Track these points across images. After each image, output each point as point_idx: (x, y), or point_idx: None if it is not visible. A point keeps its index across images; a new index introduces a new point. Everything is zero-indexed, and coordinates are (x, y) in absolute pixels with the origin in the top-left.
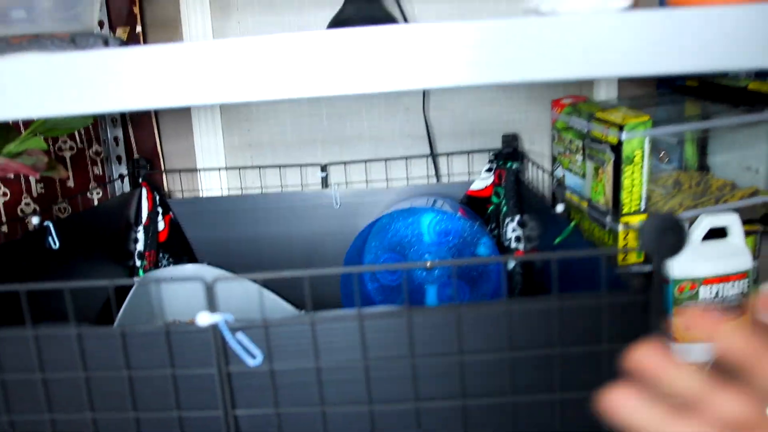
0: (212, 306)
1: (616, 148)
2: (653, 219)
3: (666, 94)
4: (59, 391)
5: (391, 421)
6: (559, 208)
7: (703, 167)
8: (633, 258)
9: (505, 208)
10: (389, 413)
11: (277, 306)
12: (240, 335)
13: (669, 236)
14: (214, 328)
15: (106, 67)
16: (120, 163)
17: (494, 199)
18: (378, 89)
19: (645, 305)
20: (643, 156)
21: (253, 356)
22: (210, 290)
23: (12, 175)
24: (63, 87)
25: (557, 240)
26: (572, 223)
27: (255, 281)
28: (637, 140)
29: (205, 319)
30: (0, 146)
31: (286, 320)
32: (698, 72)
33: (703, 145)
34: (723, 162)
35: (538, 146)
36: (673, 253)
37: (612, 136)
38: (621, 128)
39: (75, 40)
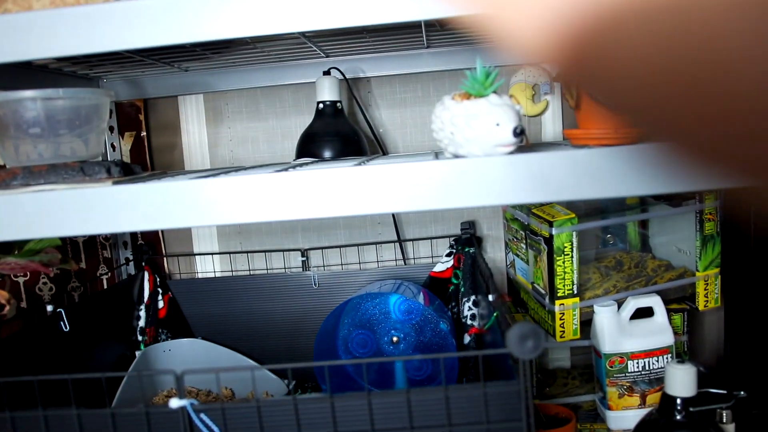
0: (181, 393)
1: (549, 241)
2: (516, 328)
3: None
4: None
5: None
6: (491, 297)
7: (645, 248)
8: (569, 335)
9: (462, 289)
10: None
11: (265, 377)
12: (203, 416)
13: (529, 342)
14: (183, 410)
15: (105, 199)
16: (126, 247)
17: (454, 280)
18: (339, 214)
19: (509, 391)
20: (572, 247)
21: None
22: (179, 380)
23: None
24: (73, 214)
25: (486, 325)
26: (495, 314)
27: (242, 354)
28: (565, 234)
29: (175, 403)
30: (22, 245)
31: (237, 405)
32: (566, 200)
33: (644, 228)
34: (660, 243)
35: (494, 231)
36: (533, 354)
37: (545, 230)
38: (551, 224)
39: (83, 169)
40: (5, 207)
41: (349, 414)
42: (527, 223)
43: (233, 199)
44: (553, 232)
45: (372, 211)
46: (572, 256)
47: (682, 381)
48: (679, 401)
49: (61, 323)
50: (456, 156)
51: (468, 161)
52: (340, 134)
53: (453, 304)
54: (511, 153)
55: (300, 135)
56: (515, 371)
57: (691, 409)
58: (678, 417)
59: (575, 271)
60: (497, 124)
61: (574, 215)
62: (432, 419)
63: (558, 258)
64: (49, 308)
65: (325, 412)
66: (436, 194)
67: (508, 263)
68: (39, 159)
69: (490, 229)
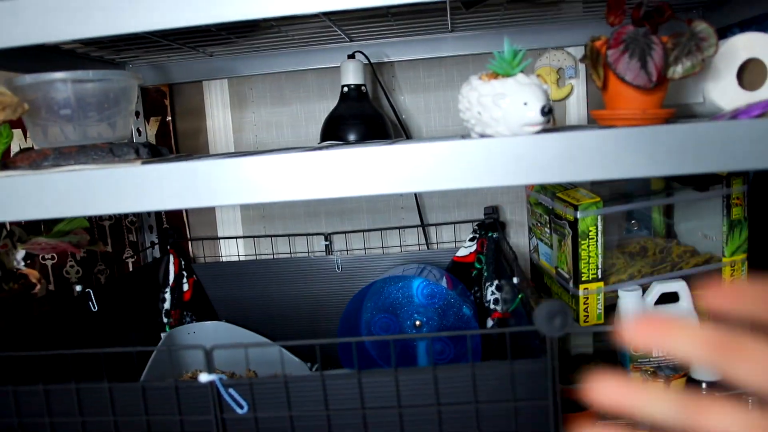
0: (210, 368)
1: (573, 225)
2: (544, 305)
3: None
4: (94, 431)
5: None
6: (515, 280)
7: (670, 234)
8: (593, 319)
9: (486, 274)
10: None
11: (286, 359)
12: (231, 390)
13: (557, 319)
14: (212, 384)
15: (134, 178)
16: (151, 231)
17: (477, 265)
18: (365, 193)
19: (536, 369)
20: (597, 231)
21: (241, 406)
22: (209, 355)
23: None
24: (103, 193)
25: (510, 308)
26: (520, 295)
27: (271, 340)
28: (590, 218)
29: (204, 377)
30: (52, 226)
31: (265, 380)
32: (594, 180)
33: (668, 214)
34: (686, 230)
35: (518, 217)
36: (560, 331)
37: (569, 214)
38: (576, 208)
39: (113, 151)
40: (38, 186)
41: (375, 391)
42: (551, 208)
43: (261, 178)
44: (578, 216)
45: (400, 190)
46: (597, 240)
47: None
48: (704, 385)
49: (90, 303)
50: (483, 136)
51: (496, 140)
52: (364, 118)
53: (476, 288)
54: (539, 133)
55: (324, 119)
56: (542, 351)
57: (716, 394)
58: None
59: (600, 255)
60: (525, 103)
61: (599, 199)
62: (458, 397)
63: (583, 242)
64: (78, 288)
65: (352, 388)
66: (465, 173)
67: (532, 248)
68: (68, 141)
69: (513, 214)
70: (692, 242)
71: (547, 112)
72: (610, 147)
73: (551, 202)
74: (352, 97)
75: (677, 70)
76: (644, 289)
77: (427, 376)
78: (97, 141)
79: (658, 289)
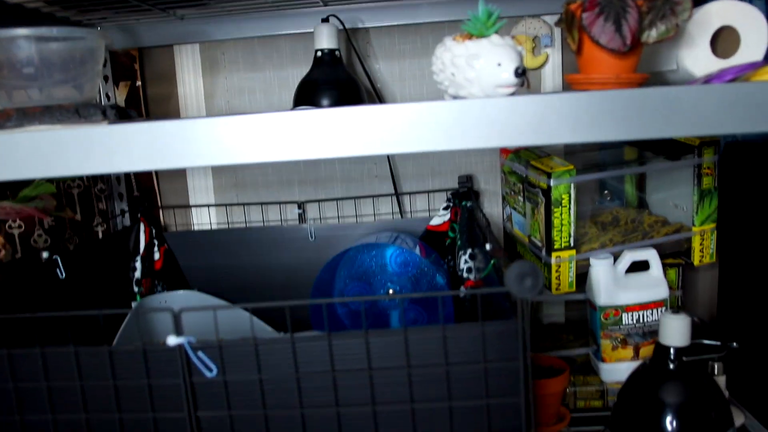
0: (179, 330)
1: (546, 193)
2: (515, 266)
3: None
4: (60, 396)
5: (317, 423)
6: (487, 246)
7: (642, 205)
8: (565, 287)
9: (459, 242)
10: (315, 416)
11: (258, 328)
12: (200, 353)
13: (527, 280)
14: (180, 347)
15: (102, 138)
16: (121, 199)
17: (450, 234)
18: (338, 154)
19: (507, 331)
20: (569, 199)
21: (210, 369)
22: (177, 318)
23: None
24: (69, 154)
25: (482, 275)
26: (492, 261)
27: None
28: (563, 186)
29: (172, 340)
30: (17, 192)
31: (234, 342)
32: (566, 143)
33: (641, 185)
34: (657, 200)
35: (492, 186)
36: (531, 293)
37: (543, 182)
38: (549, 176)
39: (79, 111)
40: (0, 147)
41: (346, 353)
42: (525, 176)
43: (233, 139)
44: (552, 184)
45: (373, 151)
46: (570, 208)
47: (676, 330)
48: (672, 351)
49: (58, 270)
50: (456, 98)
51: (469, 102)
52: (338, 83)
53: (449, 257)
54: (512, 95)
55: (297, 85)
56: (513, 313)
57: (684, 358)
58: (671, 366)
59: (572, 224)
60: (499, 64)
61: (572, 167)
62: (429, 358)
63: (556, 209)
64: (45, 255)
65: (323, 350)
66: (437, 136)
67: (505, 218)
68: (32, 102)
69: (487, 183)
70: (663, 212)
71: (521, 73)
72: (584, 110)
73: (525, 170)
74: (325, 62)
75: (651, 34)
76: (615, 258)
77: (398, 339)
78: (64, 101)
79: (629, 257)
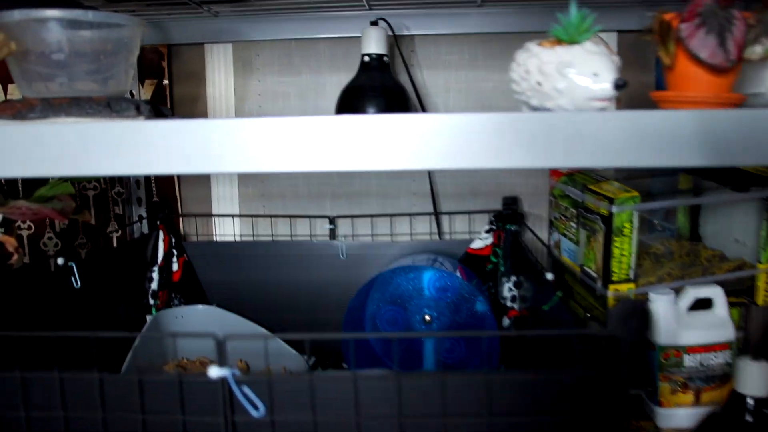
0: (222, 360)
1: (607, 220)
2: (621, 305)
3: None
4: (78, 429)
5: None
6: (549, 276)
7: (695, 237)
8: None
9: (502, 268)
10: None
11: (282, 351)
12: (246, 388)
13: (634, 321)
14: (223, 381)
15: (137, 135)
16: (140, 204)
17: (493, 259)
18: (384, 168)
19: (602, 379)
20: (632, 228)
21: (257, 408)
22: (221, 346)
23: None
24: (101, 151)
25: (545, 307)
26: (558, 294)
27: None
28: (626, 213)
29: (214, 372)
30: (32, 191)
31: (287, 378)
32: (662, 167)
33: (695, 216)
34: (714, 232)
35: (536, 210)
36: (638, 335)
37: (603, 208)
38: (612, 201)
39: (110, 105)
40: (22, 140)
41: (418, 393)
42: (581, 201)
43: (275, 144)
44: (614, 211)
45: (442, 166)
46: (631, 238)
47: (756, 378)
48: (750, 401)
49: (72, 278)
50: (538, 110)
51: (560, 115)
52: (386, 90)
53: (490, 284)
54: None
55: (336, 92)
56: (603, 357)
57: (765, 410)
58: (749, 418)
59: (633, 254)
60: (595, 74)
61: (636, 193)
62: (470, 406)
63: (616, 239)
64: (60, 261)
65: (389, 391)
66: (521, 150)
67: (553, 244)
68: (59, 93)
69: (531, 207)
70: (719, 246)
71: (621, 85)
72: (686, 131)
73: (581, 195)
74: (373, 67)
75: (757, 51)
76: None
77: (435, 382)
78: (93, 94)
79: (692, 293)
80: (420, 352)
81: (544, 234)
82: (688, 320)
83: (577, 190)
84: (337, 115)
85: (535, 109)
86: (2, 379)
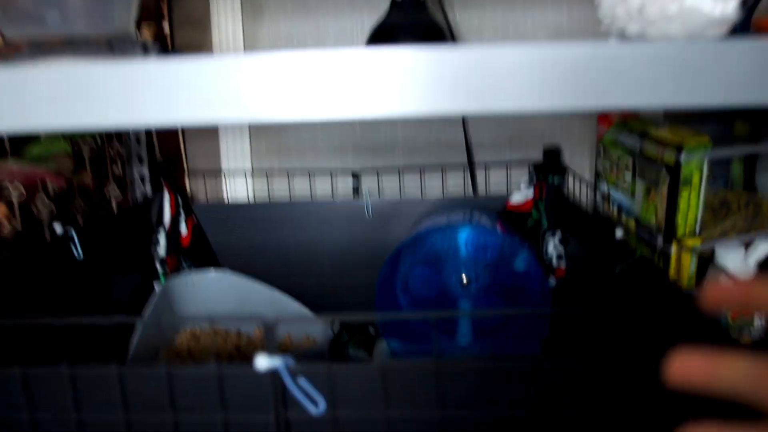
0: (272, 348)
1: (673, 170)
2: None
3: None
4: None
5: None
6: (619, 233)
7: (750, 187)
8: (684, 283)
9: (545, 224)
10: None
11: (304, 317)
12: (302, 380)
13: None
14: (274, 372)
15: (148, 78)
16: (141, 163)
17: (534, 214)
18: (423, 113)
19: None
20: (701, 178)
21: (315, 403)
22: (270, 331)
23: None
24: (101, 98)
25: (618, 268)
26: (639, 252)
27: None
28: (695, 162)
29: (263, 363)
30: (17, 150)
31: (352, 367)
32: None
33: (750, 165)
34: None
35: (578, 160)
36: None
37: (669, 157)
38: (679, 149)
39: (112, 45)
40: (9, 87)
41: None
42: (639, 149)
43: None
44: (682, 159)
45: (498, 108)
46: (700, 189)
47: None
48: None
49: (72, 246)
50: (642, 37)
51: (675, 44)
52: (423, 29)
53: (532, 241)
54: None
55: (370, 30)
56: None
57: None
58: None
59: (700, 207)
60: None
61: (707, 138)
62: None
63: (684, 190)
64: (58, 229)
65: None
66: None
67: (600, 197)
68: (50, 33)
69: (573, 156)
70: None
71: (755, 3)
72: None
73: (639, 142)
74: (407, 4)
75: None
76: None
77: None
78: (90, 34)
79: (762, 248)
80: (454, 317)
81: (584, 188)
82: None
83: (634, 137)
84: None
85: (629, 37)
86: (1, 376)
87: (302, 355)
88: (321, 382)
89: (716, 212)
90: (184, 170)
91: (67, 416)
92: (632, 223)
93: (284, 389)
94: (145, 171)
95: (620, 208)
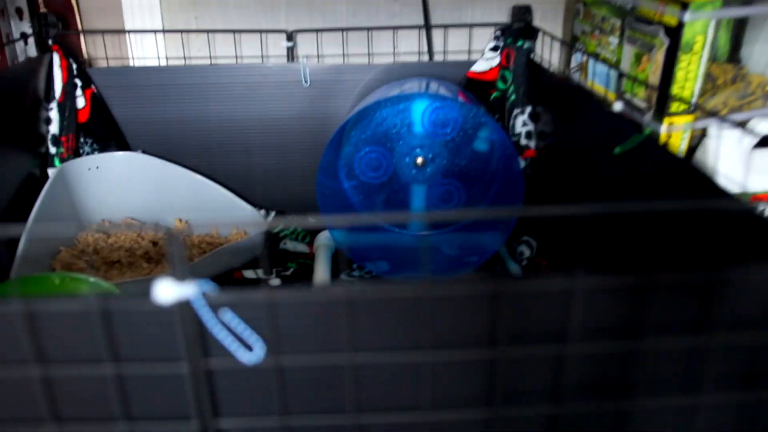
0: (181, 272)
1: (674, 31)
2: None
3: None
4: None
5: None
6: (617, 106)
7: (734, 59)
8: None
9: (513, 97)
10: (444, 423)
11: (233, 205)
12: (227, 314)
13: None
14: (185, 304)
15: None
16: (21, 18)
17: (500, 85)
18: None
19: None
20: (704, 44)
21: (249, 347)
22: (176, 242)
23: None
24: None
25: (618, 150)
26: (647, 130)
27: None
28: (701, 23)
29: (169, 291)
30: None
31: (302, 294)
32: None
33: (738, 34)
34: (759, 53)
35: (550, 23)
36: None
37: (670, 16)
38: (684, 6)
39: None
40: None
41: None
42: (632, 7)
43: None
44: (686, 18)
45: None
46: (702, 56)
47: None
48: None
49: None
50: None
51: None
52: None
53: (497, 116)
54: None
55: None
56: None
57: None
58: None
59: (700, 78)
60: None
61: None
62: None
63: (683, 56)
64: None
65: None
66: None
67: (574, 66)
68: None
69: (544, 20)
70: (762, 69)
71: None
72: None
73: (633, 0)
74: None
75: None
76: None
77: None
78: None
79: (761, 127)
80: (405, 203)
81: (557, 54)
82: (753, 161)
83: None
84: None
85: None
86: None
87: (231, 251)
88: (257, 317)
89: (702, 86)
90: (77, 28)
91: None
92: (613, 98)
93: (202, 328)
94: (27, 28)
95: (598, 80)
